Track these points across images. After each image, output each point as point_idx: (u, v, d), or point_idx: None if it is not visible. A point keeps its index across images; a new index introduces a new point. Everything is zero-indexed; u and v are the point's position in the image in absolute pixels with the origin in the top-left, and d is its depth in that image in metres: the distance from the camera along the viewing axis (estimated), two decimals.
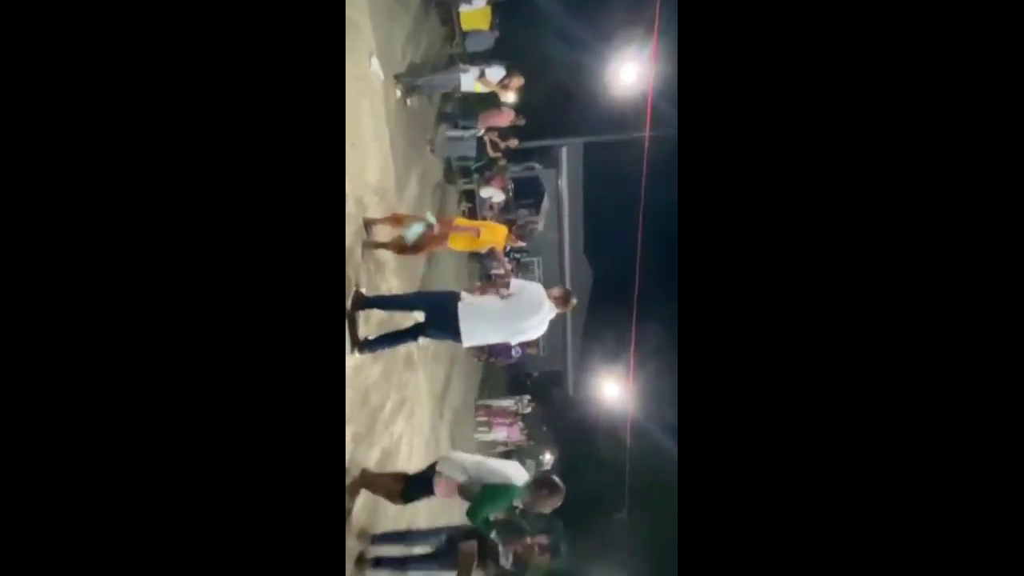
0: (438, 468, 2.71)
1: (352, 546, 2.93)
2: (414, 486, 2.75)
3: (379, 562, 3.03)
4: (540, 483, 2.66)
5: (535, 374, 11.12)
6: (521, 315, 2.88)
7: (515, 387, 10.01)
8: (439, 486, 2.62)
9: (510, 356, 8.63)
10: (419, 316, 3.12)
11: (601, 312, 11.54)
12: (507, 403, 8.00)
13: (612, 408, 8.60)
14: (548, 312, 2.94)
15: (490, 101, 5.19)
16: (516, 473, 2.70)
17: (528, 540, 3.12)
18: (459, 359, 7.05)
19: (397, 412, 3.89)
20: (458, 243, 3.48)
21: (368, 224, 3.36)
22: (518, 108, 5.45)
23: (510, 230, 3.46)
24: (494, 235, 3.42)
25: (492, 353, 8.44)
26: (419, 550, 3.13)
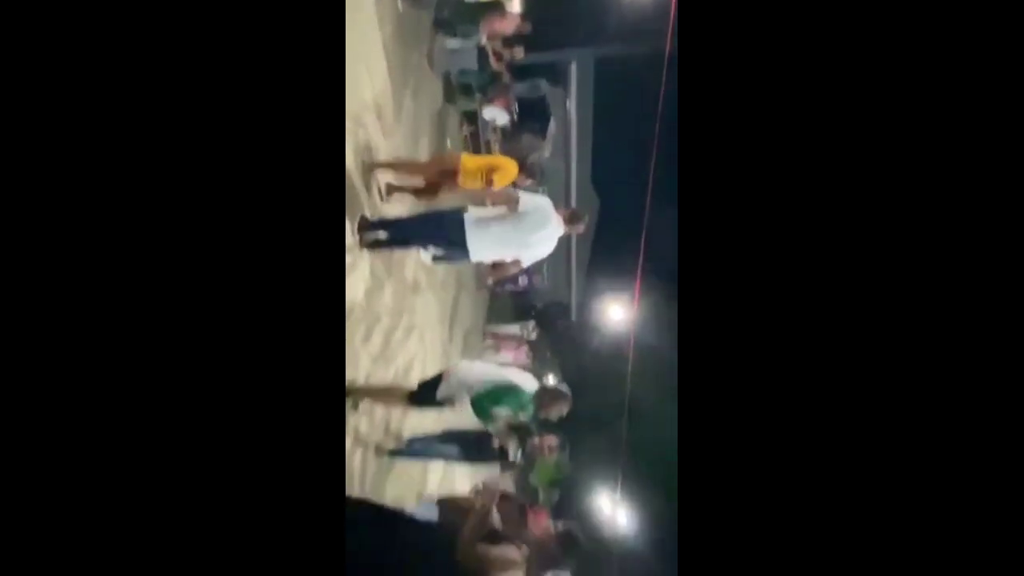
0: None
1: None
2: (424, 390, 2.83)
3: (397, 452, 3.22)
4: (548, 390, 2.75)
5: (539, 305, 11.26)
6: (529, 228, 2.83)
7: (521, 315, 10.17)
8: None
9: (517, 284, 8.66)
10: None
11: (607, 244, 11.41)
12: (513, 328, 8.20)
13: (615, 335, 8.74)
14: (556, 229, 2.90)
15: (492, 4, 4.75)
16: (526, 381, 2.80)
17: (536, 439, 3.29)
18: (466, 286, 7.08)
19: (408, 334, 3.94)
20: (469, 181, 3.33)
21: (381, 180, 3.30)
22: (524, 13, 4.98)
23: (521, 168, 3.31)
24: (506, 177, 3.26)
25: (498, 281, 8.46)
26: (438, 447, 3.32)
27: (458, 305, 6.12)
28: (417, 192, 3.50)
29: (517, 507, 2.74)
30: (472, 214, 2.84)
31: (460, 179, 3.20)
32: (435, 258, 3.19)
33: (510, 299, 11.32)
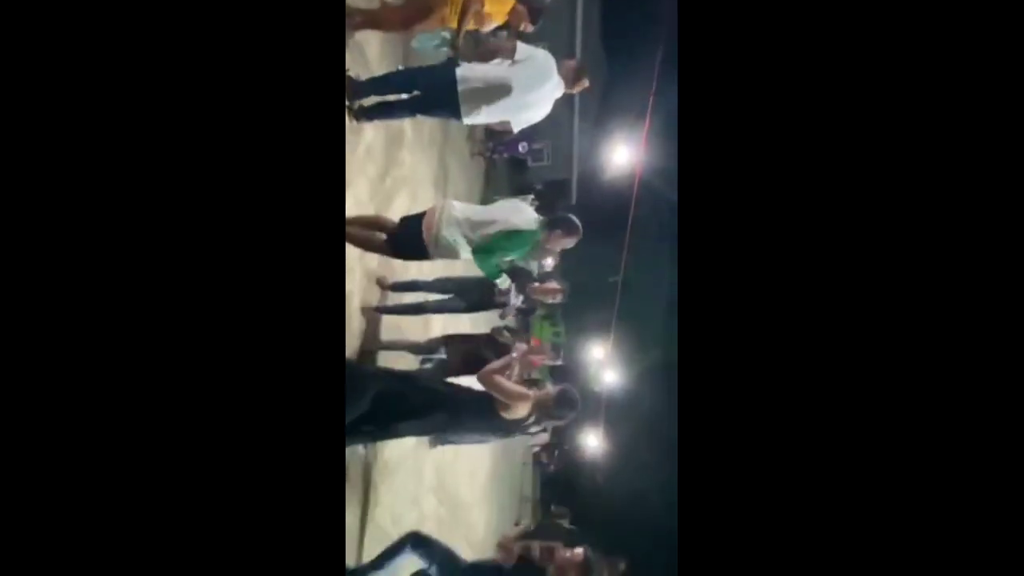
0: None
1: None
2: (407, 230, 2.51)
3: (391, 309, 3.14)
4: (556, 221, 2.47)
5: (539, 186, 10.76)
6: (527, 86, 2.48)
7: (520, 191, 9.75)
8: None
9: (517, 150, 8.07)
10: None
11: (614, 109, 10.51)
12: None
13: (617, 203, 8.42)
14: (555, 87, 2.56)
15: None
16: (525, 216, 2.49)
17: (538, 284, 3.24)
18: (455, 152, 6.56)
19: (399, 188, 3.63)
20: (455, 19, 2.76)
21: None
22: None
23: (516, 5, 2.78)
24: (500, 6, 2.73)
25: (495, 148, 7.89)
26: (435, 298, 3.25)
27: (449, 171, 5.70)
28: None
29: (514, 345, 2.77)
30: (464, 70, 2.45)
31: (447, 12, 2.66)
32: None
33: (507, 169, 10.78)
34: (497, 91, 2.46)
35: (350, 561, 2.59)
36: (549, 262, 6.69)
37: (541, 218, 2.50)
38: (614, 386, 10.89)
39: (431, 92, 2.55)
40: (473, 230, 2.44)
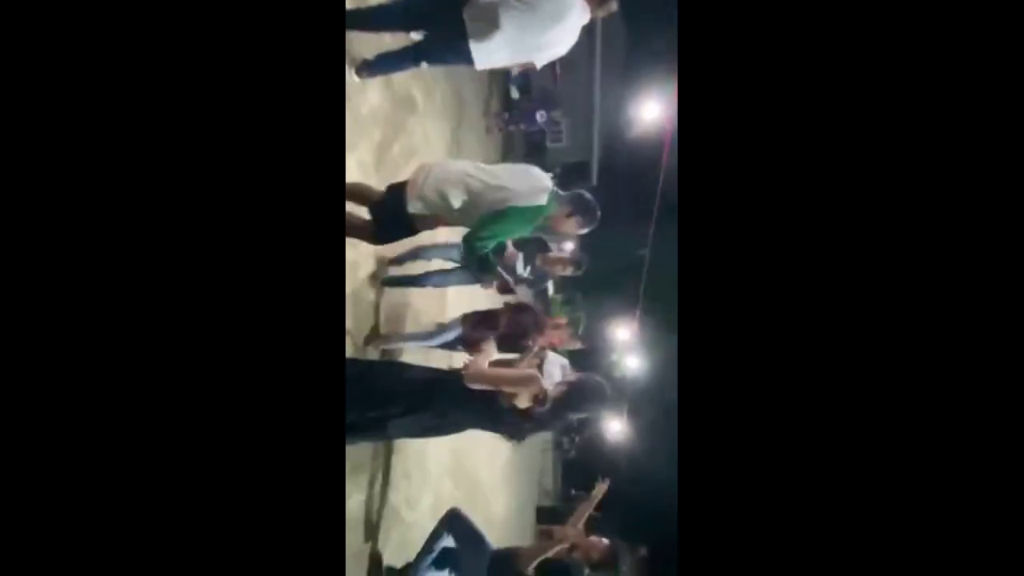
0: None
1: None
2: (391, 198, 2.00)
3: (397, 281, 2.98)
4: (570, 199, 1.98)
5: (558, 170, 10.43)
6: (544, 20, 2.15)
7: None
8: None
9: (534, 122, 7.74)
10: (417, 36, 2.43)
11: (637, 78, 10.02)
12: None
13: (641, 182, 8.04)
14: (578, 17, 2.19)
15: None
16: (535, 183, 1.95)
17: (550, 253, 2.94)
18: (472, 127, 6.31)
19: (408, 157, 3.42)
20: None
21: None
22: None
23: None
24: None
25: (512, 119, 7.59)
26: (436, 264, 3.05)
27: (462, 146, 5.46)
28: None
29: (534, 318, 2.49)
30: (473, 6, 2.14)
31: None
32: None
33: (524, 148, 10.46)
34: (511, 26, 2.11)
35: (365, 544, 2.46)
36: (568, 246, 6.24)
37: (554, 189, 1.97)
38: (639, 370, 10.54)
39: (437, 28, 2.24)
40: (475, 198, 1.91)
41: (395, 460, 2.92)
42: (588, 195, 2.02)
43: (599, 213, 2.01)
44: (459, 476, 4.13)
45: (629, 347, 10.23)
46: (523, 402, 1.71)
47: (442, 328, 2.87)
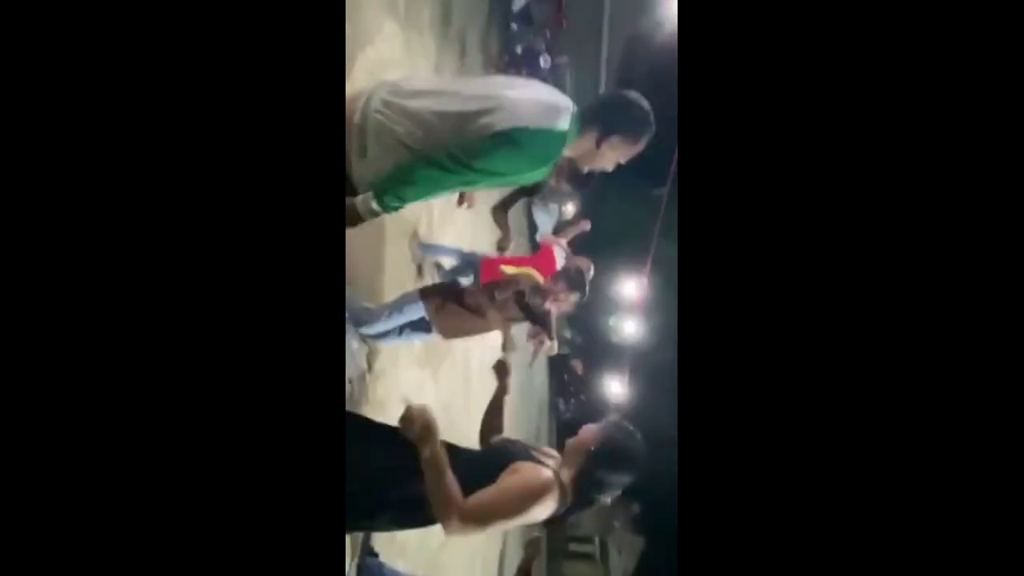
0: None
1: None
2: None
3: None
4: (602, 111, 1.25)
5: None
6: None
7: None
8: None
9: (538, 64, 7.18)
10: None
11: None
12: None
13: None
14: None
15: None
16: (548, 99, 1.21)
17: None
18: (469, 72, 5.79)
19: None
20: None
21: None
22: None
23: None
24: None
25: (512, 62, 7.04)
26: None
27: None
28: None
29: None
30: None
31: None
32: None
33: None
34: None
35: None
36: (570, 208, 4.91)
37: (574, 108, 1.23)
38: (645, 329, 9.87)
39: None
40: (440, 123, 1.16)
41: (375, 414, 2.71)
42: (627, 96, 1.25)
43: (652, 116, 1.24)
44: (453, 435, 3.95)
45: (637, 304, 9.61)
46: (539, 515, 1.11)
47: (393, 307, 2.19)
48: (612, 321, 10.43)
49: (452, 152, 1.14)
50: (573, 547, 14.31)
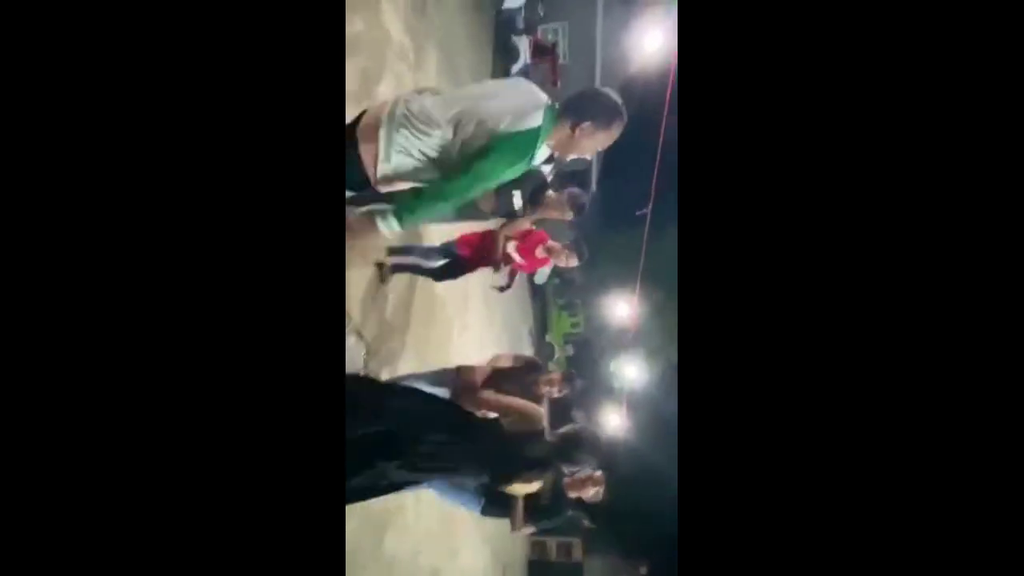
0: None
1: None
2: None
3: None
4: (573, 104, 1.35)
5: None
6: None
7: None
8: None
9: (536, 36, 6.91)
10: None
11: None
12: None
13: (649, 118, 7.21)
14: None
15: None
16: (524, 99, 1.34)
17: (551, 192, 2.45)
18: (465, 52, 5.60)
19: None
20: None
21: None
22: None
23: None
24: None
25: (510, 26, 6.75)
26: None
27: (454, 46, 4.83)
28: None
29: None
30: None
31: None
32: None
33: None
34: None
35: None
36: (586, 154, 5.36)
37: (549, 102, 1.37)
38: (637, 379, 10.15)
39: None
40: (449, 129, 1.33)
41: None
42: (597, 89, 1.37)
43: (622, 106, 1.35)
44: None
45: (627, 338, 9.83)
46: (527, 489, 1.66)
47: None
48: (612, 366, 10.63)
49: (450, 173, 1.33)
50: None
